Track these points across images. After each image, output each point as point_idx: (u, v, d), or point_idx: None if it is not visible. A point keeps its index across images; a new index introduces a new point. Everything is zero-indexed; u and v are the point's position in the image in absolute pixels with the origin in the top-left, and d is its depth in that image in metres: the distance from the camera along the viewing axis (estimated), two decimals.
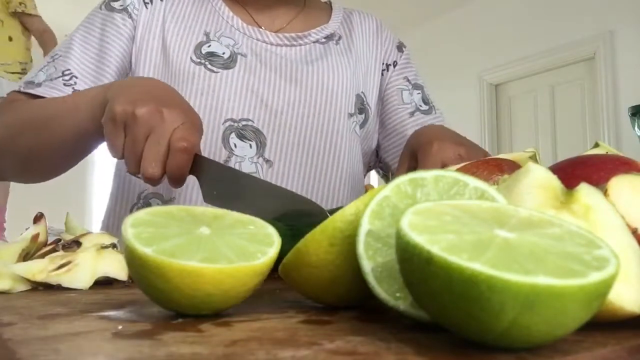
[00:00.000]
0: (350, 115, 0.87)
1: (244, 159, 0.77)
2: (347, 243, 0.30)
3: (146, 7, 0.82)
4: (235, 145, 0.77)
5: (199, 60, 0.80)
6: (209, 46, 0.81)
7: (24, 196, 4.64)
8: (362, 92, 0.90)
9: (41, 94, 0.75)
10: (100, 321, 0.30)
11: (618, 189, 0.29)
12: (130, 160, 0.55)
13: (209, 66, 0.80)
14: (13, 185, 4.70)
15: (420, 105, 0.93)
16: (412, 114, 0.92)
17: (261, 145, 0.79)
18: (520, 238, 0.22)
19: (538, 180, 0.29)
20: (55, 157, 0.71)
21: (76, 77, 0.77)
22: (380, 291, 0.27)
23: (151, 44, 0.81)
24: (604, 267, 0.21)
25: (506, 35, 4.27)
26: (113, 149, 0.56)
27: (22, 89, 0.77)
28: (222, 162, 0.75)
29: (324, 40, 0.89)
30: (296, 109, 0.82)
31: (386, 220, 0.29)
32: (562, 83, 4.03)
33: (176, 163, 0.54)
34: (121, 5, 0.82)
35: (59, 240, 0.53)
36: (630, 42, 3.56)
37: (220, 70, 0.80)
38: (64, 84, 0.76)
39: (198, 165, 0.56)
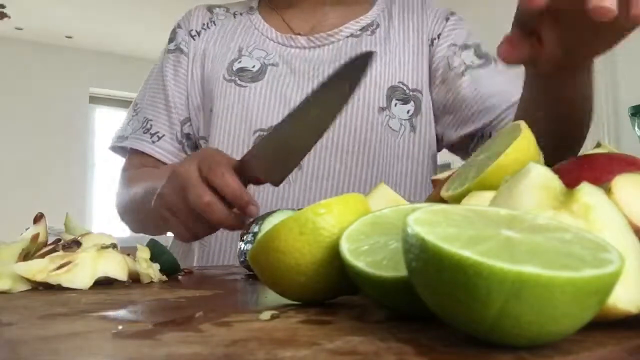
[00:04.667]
0: (382, 109, 0.84)
1: None
2: (316, 234, 0.32)
3: (194, 40, 0.92)
4: None
5: (230, 77, 0.86)
6: (240, 62, 0.87)
7: (24, 197, 4.65)
8: (399, 81, 0.86)
9: (128, 146, 0.90)
10: (100, 321, 0.30)
11: (622, 187, 0.29)
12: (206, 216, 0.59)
13: (239, 82, 0.85)
14: (13, 185, 4.71)
15: (472, 62, 0.86)
16: (462, 73, 0.86)
17: None
18: (524, 237, 0.22)
19: (538, 180, 0.29)
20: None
21: (151, 120, 0.90)
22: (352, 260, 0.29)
23: (195, 69, 0.91)
24: (602, 266, 0.21)
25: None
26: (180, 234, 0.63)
27: (115, 144, 0.91)
28: None
29: (358, 32, 0.89)
30: None
31: (368, 235, 0.31)
32: None
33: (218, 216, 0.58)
34: (175, 46, 0.93)
35: (59, 240, 0.53)
36: (631, 42, 3.56)
37: (248, 84, 0.85)
38: (144, 132, 0.89)
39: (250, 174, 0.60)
